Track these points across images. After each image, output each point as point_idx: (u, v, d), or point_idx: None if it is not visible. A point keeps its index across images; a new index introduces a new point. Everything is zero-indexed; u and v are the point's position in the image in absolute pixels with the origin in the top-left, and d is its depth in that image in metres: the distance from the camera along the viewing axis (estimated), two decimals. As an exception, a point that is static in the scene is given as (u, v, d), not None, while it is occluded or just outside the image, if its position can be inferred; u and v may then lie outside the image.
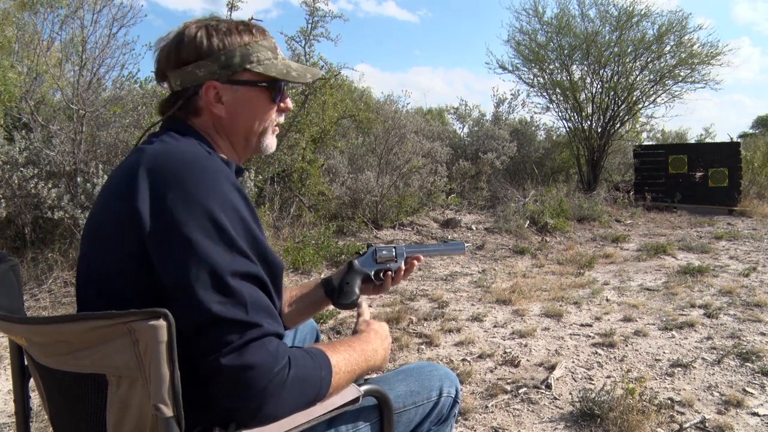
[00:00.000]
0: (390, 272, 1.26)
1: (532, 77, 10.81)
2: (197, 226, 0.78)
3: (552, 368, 2.65)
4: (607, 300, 3.87)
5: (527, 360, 2.80)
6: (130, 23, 4.56)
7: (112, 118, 4.45)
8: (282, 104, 1.05)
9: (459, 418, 2.18)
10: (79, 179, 4.05)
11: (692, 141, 13.20)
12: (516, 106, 12.11)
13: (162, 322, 0.68)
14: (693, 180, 9.16)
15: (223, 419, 0.79)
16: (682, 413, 2.20)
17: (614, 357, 2.82)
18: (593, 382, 2.51)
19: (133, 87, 5.10)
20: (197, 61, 0.96)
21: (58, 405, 0.89)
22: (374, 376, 1.12)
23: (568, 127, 10.86)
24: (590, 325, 3.32)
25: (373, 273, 1.24)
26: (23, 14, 6.44)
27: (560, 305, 3.68)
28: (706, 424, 2.11)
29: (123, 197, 0.83)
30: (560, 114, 10.83)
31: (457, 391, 1.14)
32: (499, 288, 4.12)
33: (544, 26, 10.40)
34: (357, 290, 1.20)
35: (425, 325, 3.36)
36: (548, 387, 2.45)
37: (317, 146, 6.53)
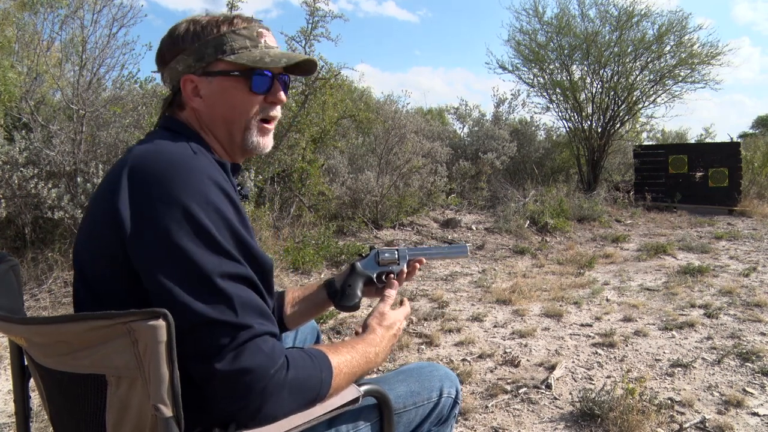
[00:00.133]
0: (392, 275, 1.25)
1: (532, 77, 10.84)
2: (179, 228, 0.77)
3: (552, 368, 2.65)
4: (607, 300, 3.87)
5: (527, 360, 2.80)
6: (130, 23, 4.56)
7: (112, 118, 4.44)
8: (270, 96, 0.99)
9: (459, 418, 2.18)
10: (79, 179, 4.04)
11: (692, 141, 13.22)
12: (516, 106, 12.15)
13: (161, 322, 0.68)
14: (693, 180, 9.16)
15: (222, 419, 0.79)
16: (682, 413, 2.20)
17: (614, 357, 2.82)
18: (593, 382, 2.51)
19: (133, 87, 5.09)
20: (177, 56, 0.96)
21: (58, 405, 0.89)
22: (374, 376, 1.11)
23: (568, 127, 10.88)
24: (590, 325, 3.32)
25: (375, 276, 1.24)
26: (23, 14, 6.45)
27: (560, 305, 3.68)
28: (706, 424, 2.11)
29: (107, 198, 0.83)
30: (560, 114, 10.86)
31: (457, 391, 1.14)
32: (499, 288, 4.12)
33: (544, 26, 10.42)
34: (359, 293, 1.20)
35: (425, 325, 3.35)
36: (548, 387, 2.45)
37: (317, 146, 6.53)
